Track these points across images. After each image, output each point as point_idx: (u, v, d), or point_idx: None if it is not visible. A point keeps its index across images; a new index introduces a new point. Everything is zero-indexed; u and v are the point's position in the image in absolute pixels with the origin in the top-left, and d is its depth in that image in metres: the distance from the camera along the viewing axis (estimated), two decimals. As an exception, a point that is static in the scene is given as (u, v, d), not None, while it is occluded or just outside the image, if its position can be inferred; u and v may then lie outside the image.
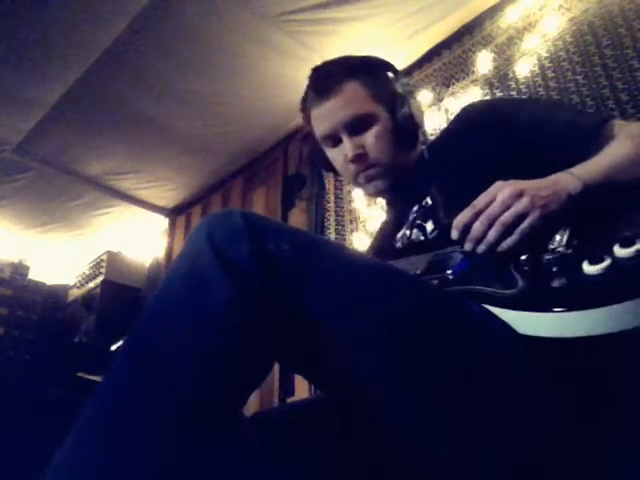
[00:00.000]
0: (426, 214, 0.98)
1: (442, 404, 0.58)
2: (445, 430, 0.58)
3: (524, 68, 1.88)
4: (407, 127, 1.02)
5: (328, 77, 1.02)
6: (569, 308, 0.57)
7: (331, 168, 1.11)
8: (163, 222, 3.42)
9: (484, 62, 2.00)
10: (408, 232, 1.01)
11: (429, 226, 0.96)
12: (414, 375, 0.59)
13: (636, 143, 0.79)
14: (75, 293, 3.31)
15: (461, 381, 0.59)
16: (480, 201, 0.73)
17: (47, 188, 2.93)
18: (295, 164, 2.66)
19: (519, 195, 0.70)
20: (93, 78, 2.21)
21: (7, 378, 2.71)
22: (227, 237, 0.57)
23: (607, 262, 0.58)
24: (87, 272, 3.26)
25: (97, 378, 2.95)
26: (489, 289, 0.68)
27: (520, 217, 0.69)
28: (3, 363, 2.90)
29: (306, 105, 1.07)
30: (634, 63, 1.60)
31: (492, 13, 2.03)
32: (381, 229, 1.22)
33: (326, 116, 1.01)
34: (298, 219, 2.48)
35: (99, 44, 2.05)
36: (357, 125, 1.00)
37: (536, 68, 1.84)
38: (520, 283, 0.66)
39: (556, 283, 0.62)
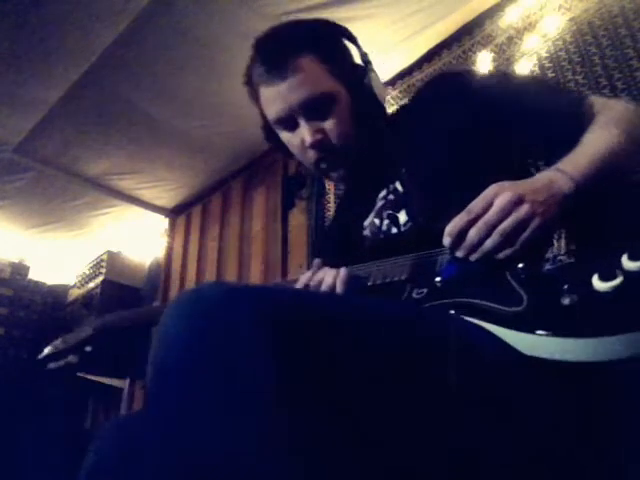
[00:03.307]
0: (397, 202, 0.92)
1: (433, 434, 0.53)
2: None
3: (524, 68, 1.88)
4: (369, 103, 0.93)
5: (279, 52, 0.90)
6: (588, 334, 0.53)
7: (289, 153, 1.01)
8: (163, 222, 3.42)
9: (484, 62, 2.00)
10: (377, 221, 0.95)
11: (402, 217, 0.90)
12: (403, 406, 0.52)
13: (622, 130, 0.75)
14: (75, 293, 3.31)
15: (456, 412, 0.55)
16: (476, 206, 0.68)
17: (47, 188, 2.93)
18: (295, 164, 2.65)
19: (518, 202, 0.65)
20: (93, 78, 2.21)
21: (7, 378, 2.71)
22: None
23: (619, 279, 0.55)
24: (87, 272, 3.26)
25: (97, 378, 2.96)
26: (489, 304, 0.64)
27: (520, 225, 0.65)
28: (3, 363, 2.90)
29: (252, 80, 0.95)
30: (634, 63, 1.60)
31: (492, 13, 2.03)
32: (343, 211, 1.13)
33: (279, 98, 0.90)
34: (298, 219, 2.48)
35: (99, 44, 2.05)
36: (315, 107, 0.90)
37: (536, 68, 1.84)
38: (525, 299, 0.61)
39: (566, 301, 0.57)
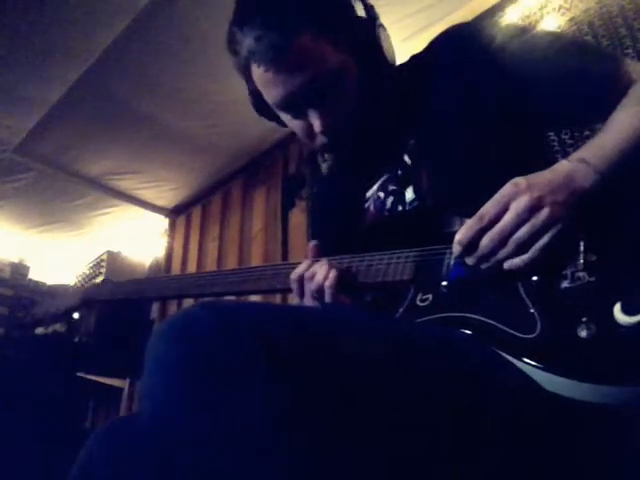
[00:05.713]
0: (404, 178, 0.84)
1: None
2: None
3: (524, 68, 1.88)
4: (379, 68, 0.84)
5: (274, 29, 0.75)
6: (607, 381, 0.48)
7: (283, 123, 0.93)
8: (163, 222, 3.42)
9: (484, 62, 2.00)
10: (382, 194, 0.88)
11: (409, 194, 0.83)
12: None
13: None
14: (75, 293, 3.31)
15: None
16: (489, 211, 0.61)
17: (47, 188, 2.93)
18: (295, 164, 2.66)
19: (537, 207, 0.58)
20: (93, 78, 2.21)
21: (7, 378, 2.71)
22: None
23: None
24: (87, 272, 3.26)
25: (97, 378, 2.96)
26: (500, 327, 0.58)
27: (538, 232, 0.58)
28: (3, 363, 2.90)
29: (238, 50, 0.81)
30: (634, 63, 1.60)
31: (492, 13, 2.03)
32: (341, 180, 1.03)
33: (279, 83, 0.78)
34: (298, 219, 2.48)
35: (99, 44, 2.05)
36: (321, 89, 0.79)
37: (536, 68, 1.84)
38: (539, 325, 0.55)
39: (584, 333, 0.52)
